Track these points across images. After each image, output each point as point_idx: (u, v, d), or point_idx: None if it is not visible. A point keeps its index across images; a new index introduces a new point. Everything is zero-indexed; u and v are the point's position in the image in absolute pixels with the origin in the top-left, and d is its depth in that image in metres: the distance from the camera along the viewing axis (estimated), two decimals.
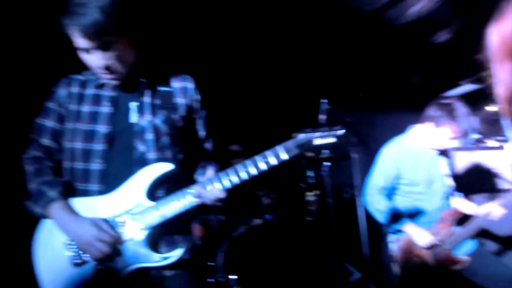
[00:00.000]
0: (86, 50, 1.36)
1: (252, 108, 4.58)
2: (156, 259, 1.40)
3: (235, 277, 3.05)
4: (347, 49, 4.48)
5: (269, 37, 4.06)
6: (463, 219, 2.41)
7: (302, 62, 4.48)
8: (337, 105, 3.47)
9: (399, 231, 2.40)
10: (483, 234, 2.78)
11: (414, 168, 2.43)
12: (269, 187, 3.64)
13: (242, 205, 3.93)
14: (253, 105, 4.58)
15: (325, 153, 4.13)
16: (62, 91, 1.54)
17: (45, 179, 1.46)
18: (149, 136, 1.48)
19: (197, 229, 3.36)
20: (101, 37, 1.32)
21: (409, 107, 3.62)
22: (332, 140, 1.41)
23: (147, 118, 1.49)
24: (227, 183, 1.43)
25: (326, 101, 3.55)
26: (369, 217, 2.60)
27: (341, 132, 1.41)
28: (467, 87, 4.68)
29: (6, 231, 2.61)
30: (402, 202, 2.48)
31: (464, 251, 2.35)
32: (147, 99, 1.52)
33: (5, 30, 2.87)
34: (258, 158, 1.43)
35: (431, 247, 2.30)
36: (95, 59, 1.38)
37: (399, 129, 2.65)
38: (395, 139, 2.56)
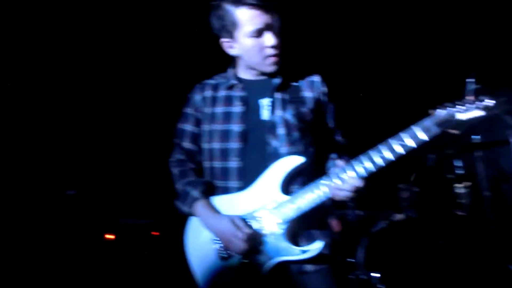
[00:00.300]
0: (259, 32, 1.47)
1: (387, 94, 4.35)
2: (296, 252, 1.40)
3: (378, 275, 2.90)
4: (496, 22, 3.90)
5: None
6: None
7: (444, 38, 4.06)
8: (487, 84, 3.04)
9: None
10: None
11: None
12: (411, 180, 3.37)
13: (382, 200, 3.74)
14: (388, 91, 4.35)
15: (476, 139, 3.65)
16: (197, 96, 1.67)
17: (188, 180, 1.59)
18: (281, 131, 1.50)
19: (335, 224, 3.35)
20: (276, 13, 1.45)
21: None
22: (480, 113, 1.21)
23: (278, 113, 1.52)
24: (361, 171, 1.36)
25: (473, 80, 3.13)
26: None
27: (490, 102, 1.19)
28: None
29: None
30: None
31: None
32: (277, 95, 1.55)
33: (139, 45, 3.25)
34: (393, 141, 1.32)
35: None
36: (268, 38, 1.47)
37: None
38: None
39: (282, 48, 1.52)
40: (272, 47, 1.49)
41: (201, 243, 1.54)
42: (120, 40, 3.77)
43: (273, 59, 1.51)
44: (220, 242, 1.48)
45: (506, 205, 3.59)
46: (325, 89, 1.60)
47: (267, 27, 1.47)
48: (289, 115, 1.52)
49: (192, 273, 1.57)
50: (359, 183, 1.36)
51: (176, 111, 1.74)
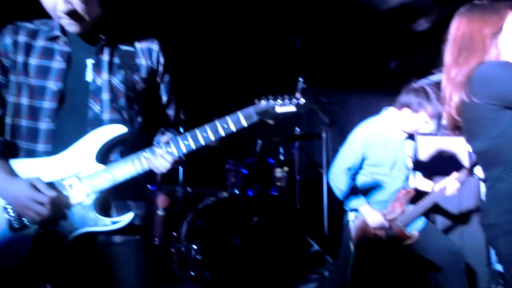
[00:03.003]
0: None
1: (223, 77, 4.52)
2: (104, 223, 1.34)
3: (196, 246, 3.06)
4: (329, 30, 4.44)
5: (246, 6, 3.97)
6: (416, 198, 2.50)
7: (281, 40, 4.42)
8: (314, 85, 3.46)
9: (356, 210, 2.46)
10: (435, 211, 2.89)
11: (382, 150, 2.47)
12: (240, 161, 3.62)
13: (211, 178, 3.91)
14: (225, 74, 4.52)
15: (297, 131, 4.15)
16: (7, 39, 1.41)
17: None
18: (105, 96, 1.40)
19: (162, 200, 3.37)
20: None
21: (384, 90, 3.64)
22: (293, 109, 1.39)
23: (104, 77, 1.41)
24: (183, 147, 1.39)
25: (302, 80, 3.52)
26: (332, 195, 2.63)
27: (302, 101, 1.38)
28: (438, 76, 4.74)
29: None
30: (364, 181, 2.53)
31: (415, 228, 2.45)
32: (105, 57, 1.43)
33: None
34: (217, 123, 1.40)
35: (381, 228, 2.38)
36: (60, 1, 1.28)
37: (374, 111, 2.67)
38: (367, 120, 2.59)
39: (87, 14, 1.34)
40: (61, 10, 1.31)
41: None
42: None
43: (66, 21, 1.34)
44: (12, 209, 1.31)
45: (312, 189, 4.18)
46: (162, 59, 1.56)
47: None
48: (117, 80, 1.43)
49: None
50: (179, 158, 1.39)
51: None
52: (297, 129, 4.07)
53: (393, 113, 2.50)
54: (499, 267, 2.86)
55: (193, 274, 3.02)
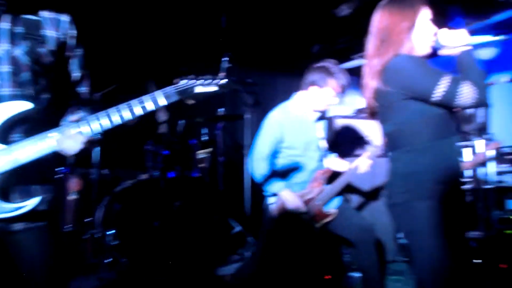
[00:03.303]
0: None
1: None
2: (4, 210, 1.21)
3: (113, 231, 2.92)
4: (254, 11, 4.42)
5: None
6: (332, 177, 2.63)
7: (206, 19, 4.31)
8: (239, 65, 3.43)
9: (275, 194, 2.52)
10: (349, 190, 3.08)
11: (296, 133, 2.55)
12: (160, 142, 3.50)
13: (130, 160, 3.75)
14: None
15: (221, 111, 4.11)
16: None
17: None
18: (5, 68, 1.25)
19: (74, 183, 3.15)
20: None
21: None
22: (214, 88, 1.35)
23: (4, 47, 1.26)
24: (95, 128, 1.29)
25: (227, 59, 3.48)
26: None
27: (223, 81, 1.36)
28: (358, 62, 5.02)
29: None
30: (282, 164, 2.60)
31: (332, 206, 2.58)
32: (4, 25, 1.27)
33: None
34: (134, 102, 1.32)
35: (300, 209, 2.48)
36: None
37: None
38: (280, 105, 2.65)
39: None
40: None
41: None
42: None
43: None
44: None
45: (235, 170, 4.21)
46: (73, 31, 1.42)
47: None
48: (19, 51, 1.28)
49: None
50: (92, 139, 1.30)
51: None
52: (221, 110, 4.04)
53: (303, 94, 2.58)
54: (403, 241, 3.14)
55: (108, 261, 2.89)
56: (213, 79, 1.36)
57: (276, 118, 2.55)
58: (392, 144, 1.64)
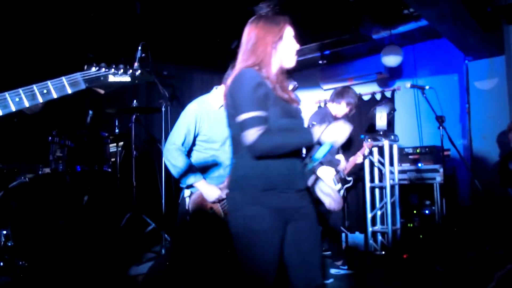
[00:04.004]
0: None
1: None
2: None
3: (4, 232, 2.61)
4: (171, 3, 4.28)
5: None
6: None
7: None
8: (155, 57, 3.28)
9: (192, 186, 2.47)
10: None
11: (213, 126, 2.53)
12: (66, 134, 3.21)
13: (29, 152, 3.39)
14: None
15: (135, 104, 3.91)
16: None
17: None
18: None
19: None
20: None
21: (226, 68, 3.71)
22: (127, 79, 1.26)
23: None
24: None
25: (141, 48, 3.29)
26: (169, 170, 2.58)
27: (139, 72, 1.26)
28: None
29: None
30: (198, 157, 2.56)
31: None
32: None
33: None
34: (35, 87, 1.17)
35: (218, 201, 2.46)
36: None
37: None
38: (199, 98, 2.62)
39: None
40: None
41: None
42: None
43: None
44: None
45: (150, 165, 4.05)
46: None
47: None
48: None
49: None
50: None
51: None
52: (135, 102, 3.84)
53: (222, 90, 2.57)
54: None
55: (1, 264, 2.58)
56: (128, 69, 1.26)
57: (193, 110, 2.51)
58: (233, 147, 1.71)
